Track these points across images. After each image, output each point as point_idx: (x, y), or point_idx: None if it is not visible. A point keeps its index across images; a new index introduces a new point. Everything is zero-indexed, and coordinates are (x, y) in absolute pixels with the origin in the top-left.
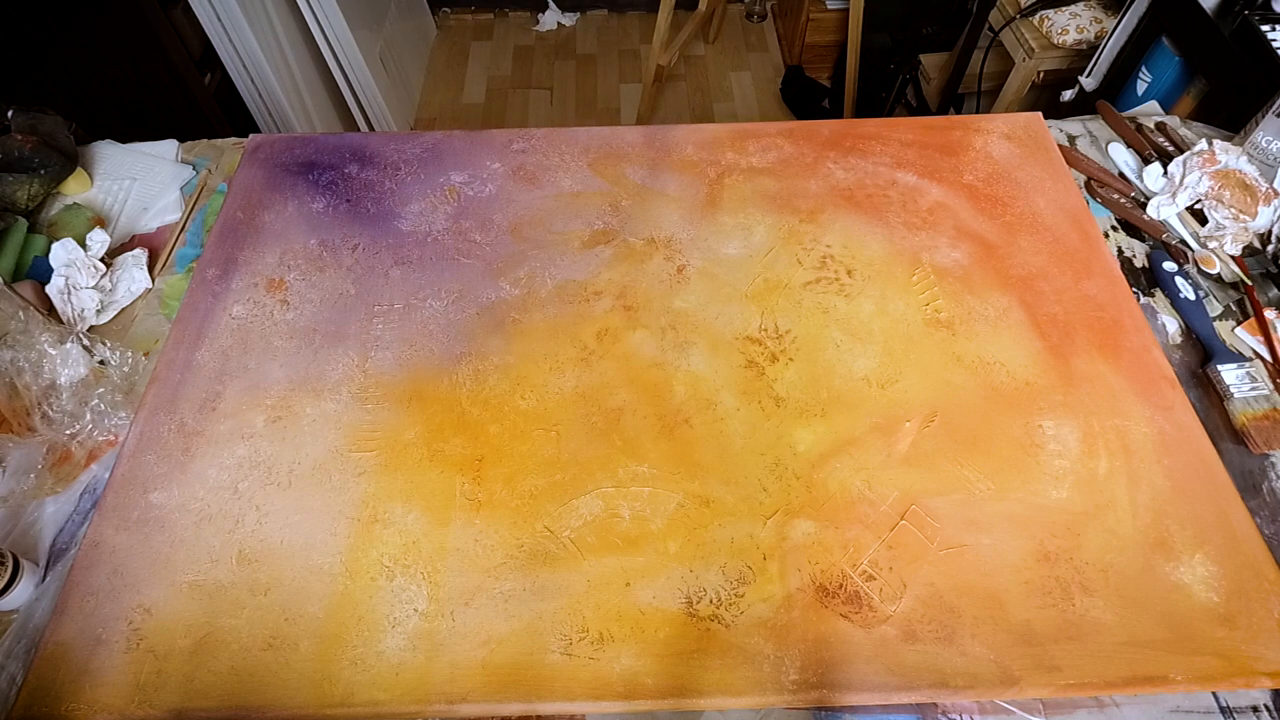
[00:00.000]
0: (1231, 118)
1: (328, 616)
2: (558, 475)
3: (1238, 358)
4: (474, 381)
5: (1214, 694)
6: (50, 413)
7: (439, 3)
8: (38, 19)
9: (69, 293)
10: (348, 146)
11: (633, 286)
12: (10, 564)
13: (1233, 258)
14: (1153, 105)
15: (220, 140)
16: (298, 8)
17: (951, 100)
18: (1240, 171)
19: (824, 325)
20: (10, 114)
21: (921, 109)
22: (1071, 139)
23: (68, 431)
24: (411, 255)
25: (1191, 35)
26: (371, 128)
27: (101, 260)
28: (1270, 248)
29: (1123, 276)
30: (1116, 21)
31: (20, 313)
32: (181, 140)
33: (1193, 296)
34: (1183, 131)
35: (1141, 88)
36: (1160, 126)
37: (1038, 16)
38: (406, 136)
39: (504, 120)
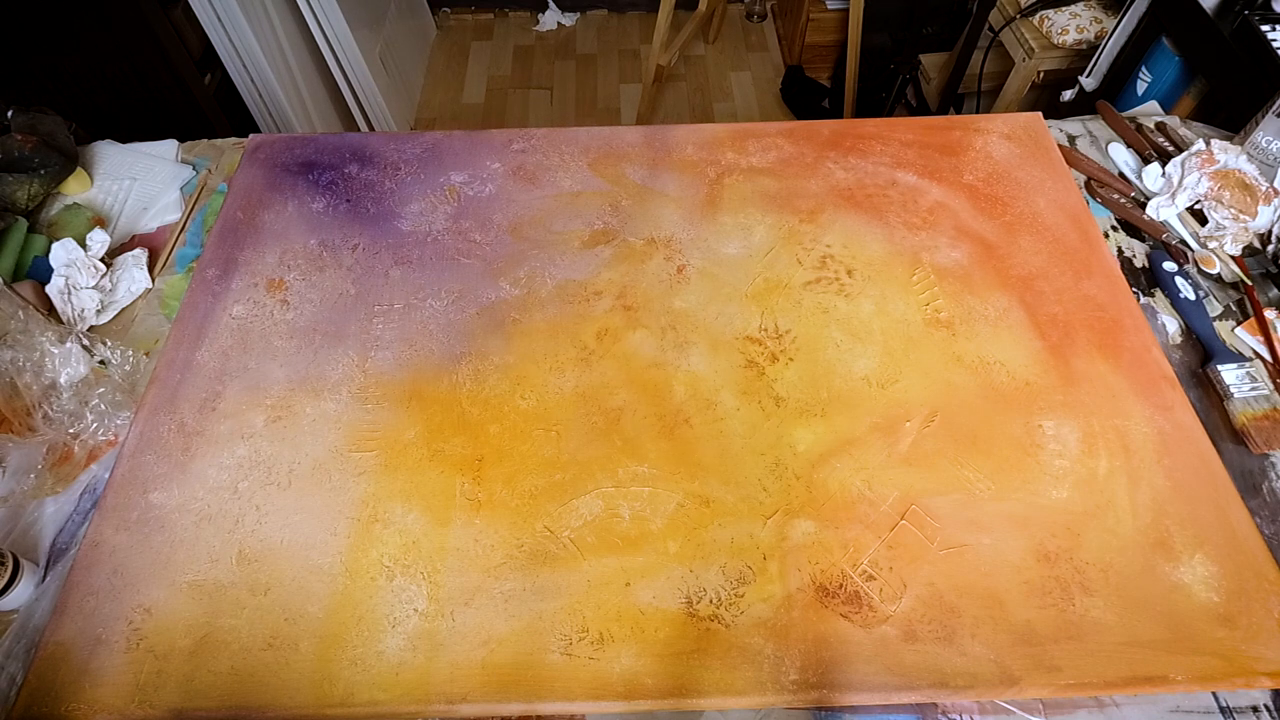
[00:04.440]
0: (1231, 118)
1: (328, 616)
2: (558, 475)
3: (1238, 358)
4: (474, 381)
5: (1214, 694)
6: (51, 412)
7: (439, 3)
8: (38, 19)
9: (69, 293)
10: (348, 146)
11: (633, 286)
12: (10, 564)
13: (1233, 258)
14: (1153, 105)
15: (220, 140)
16: (298, 8)
17: (951, 100)
18: (1240, 171)
19: (824, 325)
20: (10, 114)
21: (921, 109)
22: (1071, 139)
23: (69, 431)
24: (411, 255)
25: (1191, 35)
26: (371, 128)
27: (101, 260)
28: (1270, 248)
29: (1123, 276)
30: (1116, 21)
31: (20, 313)
32: (181, 140)
33: (1193, 296)
34: (1183, 131)
35: (1141, 88)
36: (1160, 126)
37: (1038, 16)
38: (406, 136)
39: (504, 120)
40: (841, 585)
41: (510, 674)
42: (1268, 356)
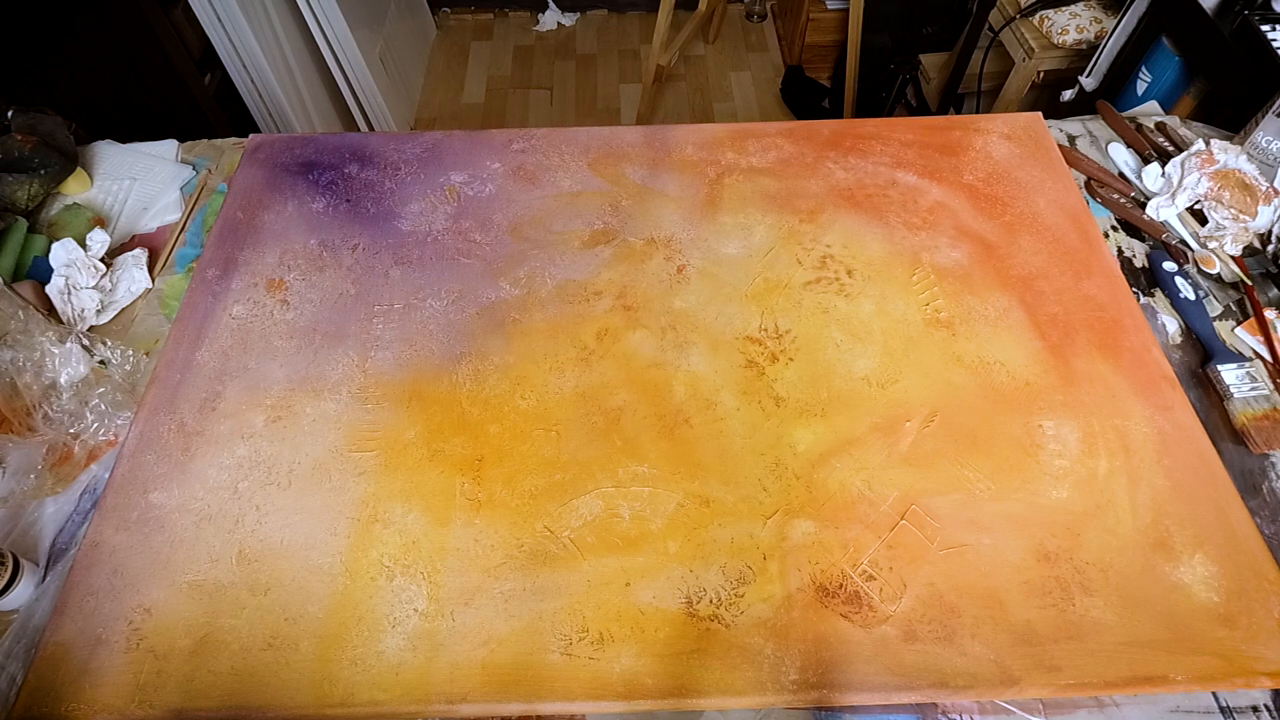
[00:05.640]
0: (1231, 118)
1: (328, 616)
2: (558, 475)
3: (1238, 358)
4: (474, 381)
5: (1214, 694)
6: (51, 412)
7: (439, 3)
8: (38, 19)
9: (69, 293)
10: (348, 146)
11: (633, 286)
12: (10, 564)
13: (1233, 258)
14: (1153, 105)
15: (220, 140)
16: (298, 8)
17: (951, 100)
18: (1240, 171)
19: (824, 325)
20: (10, 114)
21: (921, 109)
22: (1071, 139)
23: (69, 431)
24: (411, 255)
25: (1191, 35)
26: (371, 128)
27: (101, 260)
28: (1270, 248)
29: (1123, 276)
30: (1116, 21)
31: (20, 313)
32: (181, 140)
33: (1193, 296)
34: (1183, 131)
35: (1141, 88)
36: (1160, 126)
37: (1038, 16)
38: (406, 136)
39: (504, 120)
40: (841, 585)
41: (510, 674)
42: (1268, 356)
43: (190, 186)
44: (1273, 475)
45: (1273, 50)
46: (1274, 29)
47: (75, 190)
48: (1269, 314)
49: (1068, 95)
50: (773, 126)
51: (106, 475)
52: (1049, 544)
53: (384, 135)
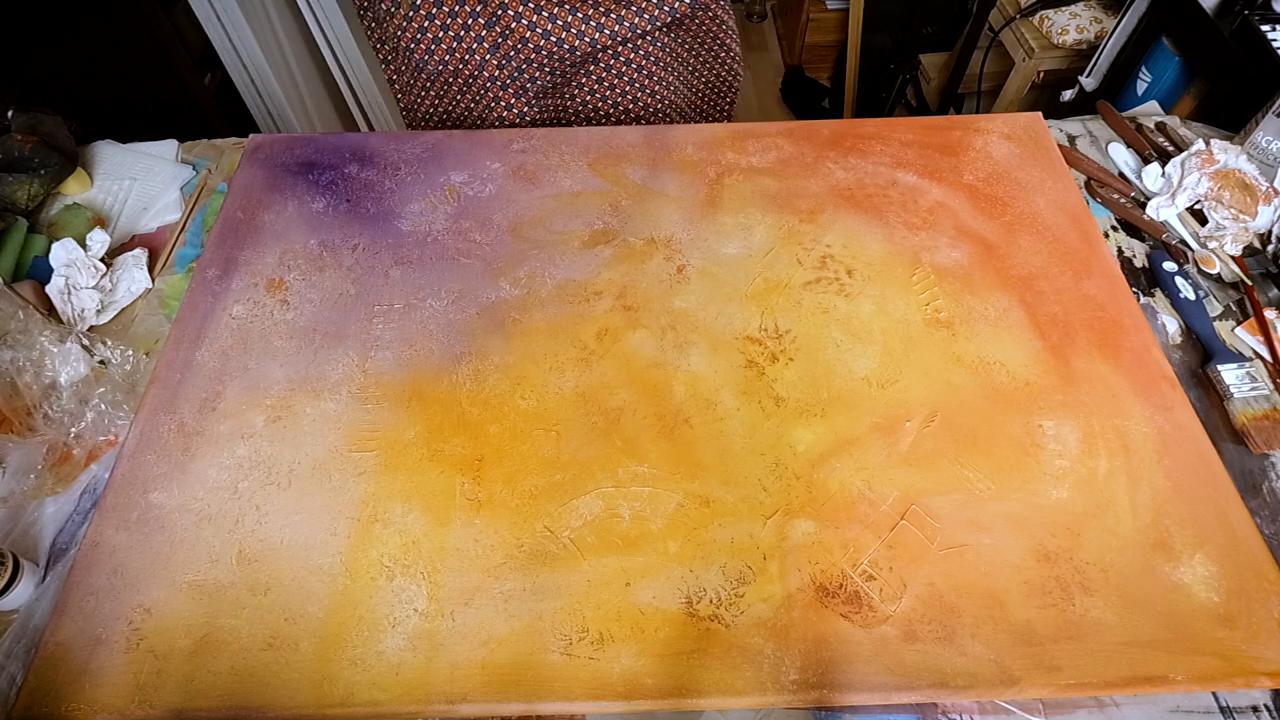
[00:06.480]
0: (1231, 118)
1: (328, 616)
2: (558, 475)
3: (1238, 358)
4: (474, 381)
5: (1214, 694)
6: (51, 412)
7: None
8: (37, 19)
9: (69, 293)
10: (348, 146)
11: (633, 286)
12: (10, 564)
13: (1233, 258)
14: (1153, 105)
15: (220, 140)
16: (298, 8)
17: (951, 100)
18: (1240, 171)
19: (824, 325)
20: (10, 114)
21: (921, 109)
22: (1071, 139)
23: (69, 431)
24: (411, 255)
25: (1191, 35)
26: (371, 128)
27: (101, 260)
28: (1270, 248)
29: (1123, 276)
30: (1116, 21)
31: (20, 313)
32: (181, 140)
33: (1193, 296)
34: (1183, 131)
35: (1141, 88)
36: (1160, 126)
37: (1038, 16)
38: (406, 136)
39: None
40: (841, 585)
41: (510, 674)
42: (1268, 356)
43: (190, 186)
44: (1273, 475)
45: (1273, 50)
46: (1274, 29)
47: (75, 190)
48: (1269, 314)
49: (1068, 95)
50: (773, 126)
51: (106, 475)
52: (1049, 544)
53: (384, 135)
